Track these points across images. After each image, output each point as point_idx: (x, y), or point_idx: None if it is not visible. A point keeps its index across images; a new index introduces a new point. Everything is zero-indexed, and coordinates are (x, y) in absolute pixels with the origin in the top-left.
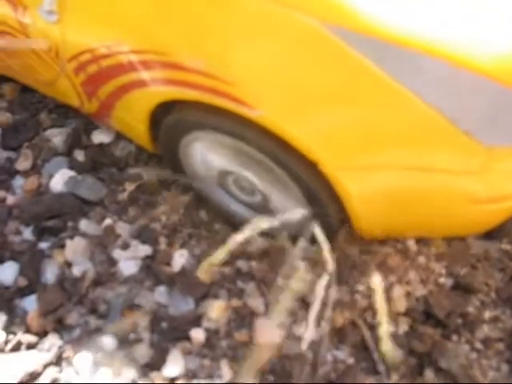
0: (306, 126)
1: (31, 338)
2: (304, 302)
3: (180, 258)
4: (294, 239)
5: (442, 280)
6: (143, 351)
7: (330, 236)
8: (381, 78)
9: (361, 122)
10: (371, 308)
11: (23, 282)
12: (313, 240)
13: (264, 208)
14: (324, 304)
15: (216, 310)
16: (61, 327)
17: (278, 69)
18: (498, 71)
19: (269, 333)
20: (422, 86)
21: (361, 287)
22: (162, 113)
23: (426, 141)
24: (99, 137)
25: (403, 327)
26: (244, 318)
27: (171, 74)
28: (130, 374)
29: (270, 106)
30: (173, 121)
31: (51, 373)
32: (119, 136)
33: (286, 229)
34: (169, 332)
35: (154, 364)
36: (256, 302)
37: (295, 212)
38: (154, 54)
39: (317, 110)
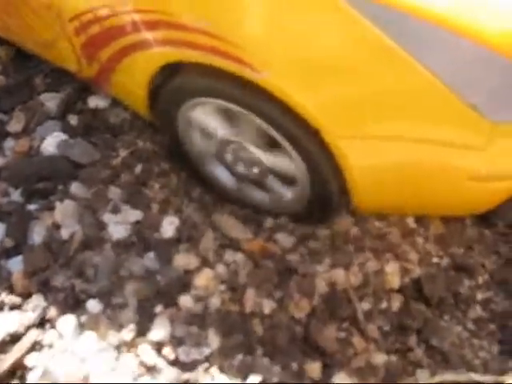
0: (310, 91)
1: (15, 299)
2: (295, 272)
3: (169, 226)
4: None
5: (436, 259)
6: (129, 316)
7: (330, 210)
8: (387, 47)
9: (365, 91)
10: (366, 284)
11: (9, 243)
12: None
13: (259, 183)
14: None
15: (205, 279)
16: (46, 289)
17: (284, 32)
18: (508, 46)
19: (259, 304)
20: (429, 57)
21: (355, 262)
22: (163, 78)
23: (430, 113)
24: (94, 102)
25: (396, 304)
26: (234, 289)
27: (174, 34)
28: (115, 338)
29: (275, 70)
30: (173, 86)
31: (34, 335)
32: (115, 103)
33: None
34: (156, 298)
35: (140, 329)
36: (246, 274)
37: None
38: (158, 13)
39: (321, 76)
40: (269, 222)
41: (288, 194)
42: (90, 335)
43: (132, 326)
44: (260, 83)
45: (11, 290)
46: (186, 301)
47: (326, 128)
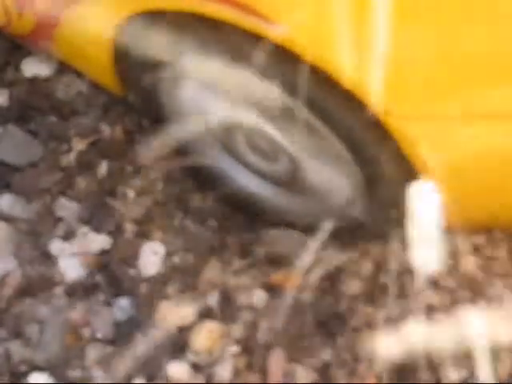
0: (359, 50)
1: None
2: (344, 323)
3: (152, 256)
4: None
5: None
6: None
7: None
8: None
9: (450, 44)
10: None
11: None
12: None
13: (293, 182)
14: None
15: (207, 336)
16: None
17: None
18: None
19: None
20: None
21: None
22: (134, 33)
23: None
24: (32, 68)
25: (508, 368)
26: (252, 351)
27: None
28: None
29: (299, 18)
30: (150, 44)
31: None
32: (63, 68)
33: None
34: (135, 368)
35: None
36: (270, 327)
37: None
38: None
39: (376, 25)
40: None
41: (335, 198)
42: None
43: None
44: (277, 40)
45: None
46: (178, 371)
47: (388, 105)
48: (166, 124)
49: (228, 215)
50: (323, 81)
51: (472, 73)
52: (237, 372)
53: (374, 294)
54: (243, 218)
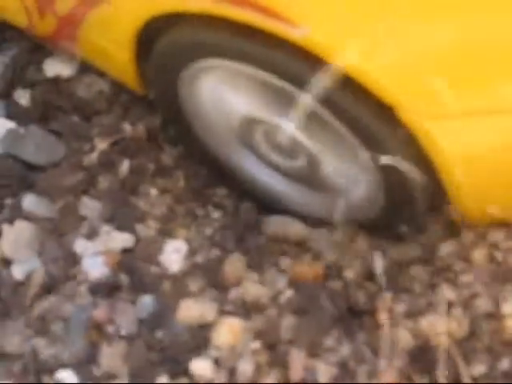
0: (377, 49)
1: None
2: (364, 317)
3: (175, 254)
4: None
5: None
6: None
7: (415, 218)
8: None
9: (467, 42)
10: (474, 334)
11: None
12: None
13: (311, 178)
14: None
15: (229, 332)
16: None
17: None
18: None
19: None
20: None
21: (457, 301)
22: (155, 33)
23: None
24: (54, 68)
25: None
26: (274, 347)
27: None
28: None
29: (321, 21)
30: (171, 44)
31: None
32: (85, 68)
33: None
34: (156, 364)
35: None
36: (292, 322)
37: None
38: None
39: (394, 22)
40: (323, 235)
41: (353, 194)
42: None
43: None
44: (299, 42)
45: None
46: (201, 367)
47: (406, 103)
48: (187, 121)
49: (248, 211)
50: (342, 79)
51: (495, 69)
52: (258, 367)
53: (392, 289)
54: (262, 213)
